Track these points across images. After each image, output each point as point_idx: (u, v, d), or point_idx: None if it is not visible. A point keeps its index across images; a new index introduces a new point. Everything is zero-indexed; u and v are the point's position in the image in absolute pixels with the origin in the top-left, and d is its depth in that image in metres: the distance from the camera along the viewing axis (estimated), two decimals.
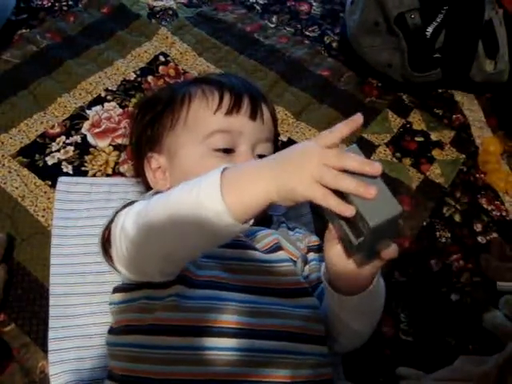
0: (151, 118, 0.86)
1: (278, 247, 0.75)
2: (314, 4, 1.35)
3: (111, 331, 0.73)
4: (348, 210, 0.50)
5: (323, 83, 1.19)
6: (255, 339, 0.65)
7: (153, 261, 0.62)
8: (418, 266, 0.96)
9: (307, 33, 1.28)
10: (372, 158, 1.08)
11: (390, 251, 0.57)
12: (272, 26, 1.28)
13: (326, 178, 0.50)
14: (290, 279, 0.73)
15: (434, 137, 1.14)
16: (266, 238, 0.76)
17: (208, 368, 0.63)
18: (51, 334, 0.79)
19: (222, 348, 0.64)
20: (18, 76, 1.08)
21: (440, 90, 1.21)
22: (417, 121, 1.16)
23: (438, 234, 1.01)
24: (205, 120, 0.80)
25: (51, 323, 0.80)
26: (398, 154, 1.10)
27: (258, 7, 1.32)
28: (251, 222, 0.54)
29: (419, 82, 1.12)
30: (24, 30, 1.16)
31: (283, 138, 1.08)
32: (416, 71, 1.09)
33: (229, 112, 0.79)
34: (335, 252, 0.61)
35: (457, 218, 1.04)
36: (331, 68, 1.22)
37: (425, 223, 1.02)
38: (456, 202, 1.05)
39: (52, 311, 0.81)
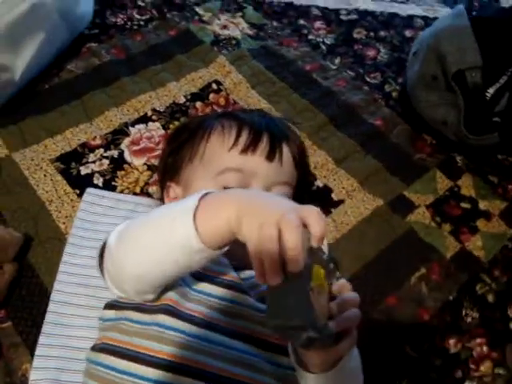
0: (174, 147, 0.87)
1: None
2: (382, 50, 1.31)
3: (92, 347, 0.73)
4: (259, 277, 0.48)
5: (373, 133, 1.14)
6: None
7: (128, 278, 0.63)
8: (433, 344, 0.88)
9: (368, 79, 1.24)
10: (408, 218, 1.01)
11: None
12: (333, 67, 1.26)
13: (262, 234, 0.47)
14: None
15: (482, 205, 1.05)
16: (261, 285, 0.73)
17: None
18: (41, 340, 0.80)
19: None
20: (76, 86, 1.14)
21: (500, 157, 1.12)
22: (466, 186, 1.07)
23: (464, 311, 0.92)
24: (219, 156, 0.79)
25: (44, 328, 0.81)
26: (437, 219, 1.02)
27: (323, 47, 1.30)
28: (224, 250, 0.54)
29: (473, 144, 1.04)
30: (93, 44, 1.22)
31: (319, 183, 1.05)
32: (471, 133, 1.01)
33: (244, 150, 0.78)
34: None
35: (490, 298, 0.94)
36: (385, 118, 1.17)
37: (451, 297, 0.93)
38: (492, 281, 0.96)
39: (48, 317, 0.83)
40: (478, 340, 0.90)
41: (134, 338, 0.65)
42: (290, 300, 0.48)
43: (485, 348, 0.89)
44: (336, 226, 0.99)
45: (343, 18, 1.36)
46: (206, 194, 0.55)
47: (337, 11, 1.37)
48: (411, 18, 1.41)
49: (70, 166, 1.01)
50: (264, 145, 0.79)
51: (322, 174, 1.07)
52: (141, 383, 0.62)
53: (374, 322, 0.89)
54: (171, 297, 0.67)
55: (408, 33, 1.36)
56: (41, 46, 1.07)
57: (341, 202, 1.03)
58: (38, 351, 0.80)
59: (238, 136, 0.79)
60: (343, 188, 1.04)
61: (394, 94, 1.22)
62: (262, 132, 0.80)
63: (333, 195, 1.03)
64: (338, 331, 0.54)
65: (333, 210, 1.01)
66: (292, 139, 0.86)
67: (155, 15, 1.30)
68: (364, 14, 1.38)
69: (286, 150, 0.81)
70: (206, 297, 0.69)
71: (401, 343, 0.87)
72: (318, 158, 1.08)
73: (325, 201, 1.02)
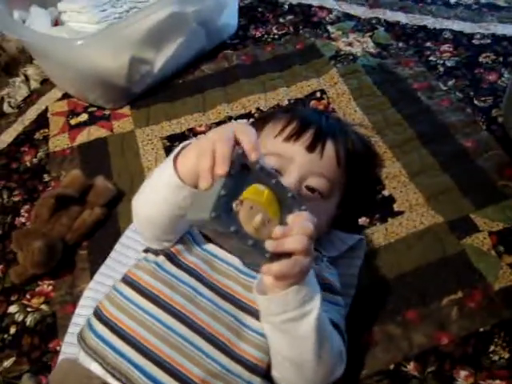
0: None
1: None
2: (506, 76, 1.21)
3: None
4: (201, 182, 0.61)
5: (459, 153, 1.08)
6: (194, 332, 0.72)
7: (144, 225, 0.78)
8: (441, 370, 0.82)
9: (476, 102, 1.17)
10: (464, 241, 0.94)
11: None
12: (443, 88, 1.22)
13: (202, 147, 0.62)
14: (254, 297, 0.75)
15: None
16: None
17: (147, 335, 0.72)
18: (101, 269, 1.00)
19: (163, 323, 0.73)
20: (202, 83, 1.34)
21: None
22: None
23: (492, 347, 0.83)
24: (265, 141, 0.89)
25: (107, 261, 1.00)
26: (500, 248, 0.92)
27: (441, 68, 1.27)
28: None
29: None
30: (229, 51, 1.41)
31: (386, 192, 1.05)
32: None
33: (287, 139, 0.87)
34: None
35: None
36: (480, 141, 1.09)
37: (482, 329, 0.85)
38: None
39: (112, 254, 1.01)
40: (498, 381, 0.80)
41: (139, 272, 0.79)
42: (203, 198, 0.58)
43: None
44: (385, 234, 0.98)
45: (475, 42, 1.31)
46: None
47: (471, 35, 1.32)
48: None
49: (173, 145, 1.21)
50: (307, 137, 0.86)
51: (392, 184, 1.06)
52: (139, 313, 0.74)
53: (384, 331, 0.86)
54: (176, 247, 0.80)
55: None
56: (179, 48, 1.30)
57: (400, 213, 1.01)
58: (96, 277, 0.99)
59: (286, 126, 0.88)
60: (407, 200, 1.02)
61: (501, 119, 1.12)
62: (310, 126, 0.88)
63: (394, 205, 1.02)
64: (275, 252, 0.60)
65: (390, 219, 1.01)
66: (341, 139, 0.91)
67: (290, 31, 1.44)
68: (500, 39, 1.30)
69: (329, 146, 0.88)
70: (207, 254, 0.80)
71: (405, 358, 0.83)
72: (392, 170, 1.08)
73: (385, 210, 1.02)
